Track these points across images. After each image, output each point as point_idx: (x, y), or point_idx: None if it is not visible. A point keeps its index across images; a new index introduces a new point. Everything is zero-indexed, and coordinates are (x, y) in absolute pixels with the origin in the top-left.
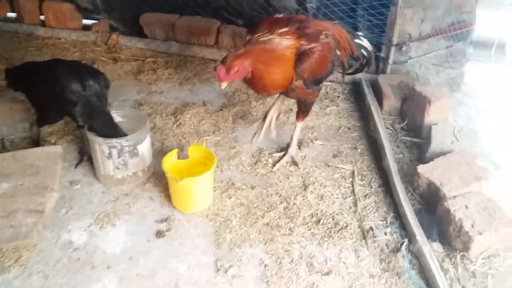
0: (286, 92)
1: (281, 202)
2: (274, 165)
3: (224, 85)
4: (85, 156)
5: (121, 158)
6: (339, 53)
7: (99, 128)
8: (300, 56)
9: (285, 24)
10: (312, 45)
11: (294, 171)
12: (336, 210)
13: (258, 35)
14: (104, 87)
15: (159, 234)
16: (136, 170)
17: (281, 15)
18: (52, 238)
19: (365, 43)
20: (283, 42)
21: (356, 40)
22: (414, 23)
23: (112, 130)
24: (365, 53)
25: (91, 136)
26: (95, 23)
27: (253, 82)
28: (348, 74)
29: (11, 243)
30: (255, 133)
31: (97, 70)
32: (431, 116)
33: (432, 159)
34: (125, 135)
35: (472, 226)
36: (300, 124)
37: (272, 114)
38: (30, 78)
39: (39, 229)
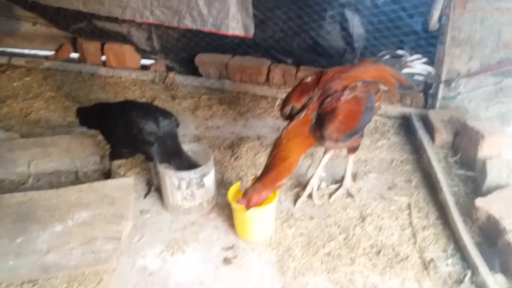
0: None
1: (340, 233)
2: (330, 196)
3: (248, 210)
4: (152, 187)
5: (189, 189)
6: (386, 88)
7: (177, 165)
8: (322, 122)
9: (312, 91)
10: (334, 106)
11: (351, 203)
12: (395, 241)
13: (275, 149)
14: (175, 126)
15: (226, 261)
16: (202, 200)
17: (308, 79)
18: (128, 263)
19: (418, 68)
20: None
21: (405, 70)
22: (462, 60)
23: (188, 165)
24: (420, 79)
25: (162, 169)
26: (153, 63)
27: None
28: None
29: (92, 268)
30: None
31: (168, 111)
32: (484, 150)
33: (488, 193)
34: (198, 166)
35: None
36: (352, 157)
37: (313, 183)
38: (104, 119)
39: (117, 255)
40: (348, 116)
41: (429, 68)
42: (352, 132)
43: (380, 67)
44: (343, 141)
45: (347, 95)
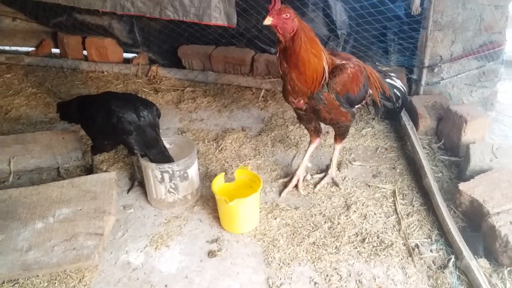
0: (317, 108)
1: (325, 222)
2: (315, 186)
3: (268, 21)
4: (135, 182)
5: (173, 182)
6: (371, 91)
7: (152, 155)
8: (334, 70)
9: None
10: (345, 62)
11: (336, 191)
12: (380, 228)
13: None
14: (156, 116)
15: (211, 254)
16: (186, 193)
17: None
18: (112, 259)
19: (398, 83)
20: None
21: (388, 80)
22: (445, 45)
23: (163, 157)
24: (398, 94)
25: (144, 162)
26: (135, 56)
27: (289, 54)
28: (386, 118)
29: (74, 265)
30: (283, 188)
31: (149, 101)
32: (468, 135)
33: (472, 177)
34: (172, 161)
35: None
36: (338, 147)
37: (299, 174)
38: (85, 111)
39: (100, 251)
40: (354, 76)
41: (405, 88)
42: (351, 97)
43: (371, 68)
44: (339, 102)
45: (354, 61)
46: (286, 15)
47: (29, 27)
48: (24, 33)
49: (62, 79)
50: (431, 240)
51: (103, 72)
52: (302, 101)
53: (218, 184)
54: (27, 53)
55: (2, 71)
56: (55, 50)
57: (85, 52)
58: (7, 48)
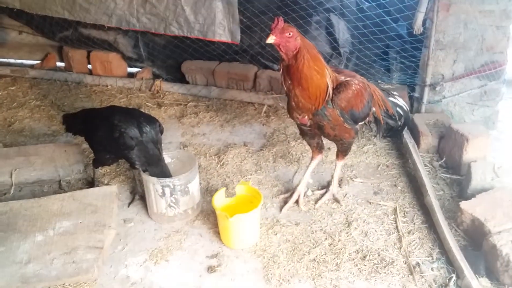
0: (321, 124)
1: (326, 238)
2: (316, 202)
3: (271, 39)
4: (136, 196)
5: (173, 196)
6: (374, 109)
7: (152, 171)
8: (339, 86)
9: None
10: (350, 79)
11: (336, 208)
12: (381, 246)
13: None
14: (158, 132)
15: (211, 269)
16: (186, 208)
17: None
18: (111, 273)
19: (400, 101)
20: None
21: (391, 98)
22: (447, 64)
23: (162, 173)
24: (401, 112)
25: (145, 176)
26: (139, 71)
27: (293, 71)
28: (389, 136)
29: (73, 278)
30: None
31: (152, 117)
32: (469, 153)
33: (473, 196)
34: (170, 176)
35: None
36: (340, 163)
37: (300, 189)
38: (89, 124)
39: (99, 265)
40: (358, 93)
41: (408, 106)
42: (355, 113)
43: (374, 86)
44: (344, 119)
45: (358, 78)
46: (289, 34)
47: (35, 41)
48: (30, 46)
49: (66, 93)
50: (432, 259)
51: (107, 86)
52: (306, 117)
53: (219, 199)
54: (32, 66)
55: (7, 83)
56: (60, 64)
57: (89, 66)
58: (12, 61)
